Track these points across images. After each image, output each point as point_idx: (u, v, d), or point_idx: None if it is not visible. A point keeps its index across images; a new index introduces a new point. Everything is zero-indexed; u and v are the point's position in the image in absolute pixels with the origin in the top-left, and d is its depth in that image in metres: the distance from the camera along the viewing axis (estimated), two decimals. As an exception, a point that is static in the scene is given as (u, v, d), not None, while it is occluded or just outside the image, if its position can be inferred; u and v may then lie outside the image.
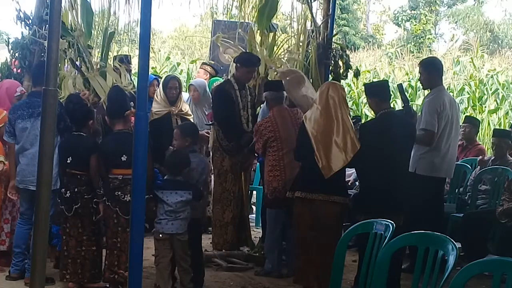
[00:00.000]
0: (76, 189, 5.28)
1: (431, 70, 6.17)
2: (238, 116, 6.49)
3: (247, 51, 7.14)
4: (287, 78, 6.06)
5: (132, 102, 5.48)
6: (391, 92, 6.61)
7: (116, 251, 5.22)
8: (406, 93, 7.40)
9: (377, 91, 5.50)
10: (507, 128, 11.19)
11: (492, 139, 7.66)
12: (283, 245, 6.08)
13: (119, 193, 5.18)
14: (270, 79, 6.80)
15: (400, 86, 6.65)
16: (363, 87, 7.39)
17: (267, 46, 7.22)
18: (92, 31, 6.57)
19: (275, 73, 6.83)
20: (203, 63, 9.26)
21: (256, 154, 6.58)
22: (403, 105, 6.13)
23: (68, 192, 5.29)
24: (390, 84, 6.51)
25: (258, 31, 7.25)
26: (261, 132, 5.98)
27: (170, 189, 5.20)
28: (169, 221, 5.17)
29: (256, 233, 7.28)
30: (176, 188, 5.21)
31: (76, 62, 6.33)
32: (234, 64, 6.70)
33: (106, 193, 5.27)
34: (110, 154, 5.28)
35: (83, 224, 5.31)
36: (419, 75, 6.45)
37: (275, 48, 7.32)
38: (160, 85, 7.13)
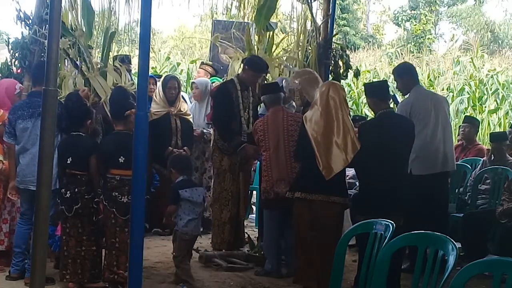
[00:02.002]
0: (76, 189, 5.27)
1: (403, 76, 6.25)
2: (238, 117, 6.46)
3: (246, 51, 7.13)
4: (304, 77, 6.04)
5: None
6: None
7: (114, 251, 5.22)
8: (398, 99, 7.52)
9: (377, 91, 5.51)
10: (507, 128, 11.19)
11: (491, 144, 7.64)
12: (281, 245, 6.08)
13: (116, 193, 5.18)
14: (266, 82, 6.78)
15: (393, 97, 6.74)
16: (363, 87, 7.42)
17: (264, 45, 7.22)
18: (93, 31, 6.57)
19: (290, 71, 6.83)
20: (203, 63, 9.25)
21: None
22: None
23: (68, 192, 5.28)
24: (390, 84, 6.55)
25: (256, 31, 7.25)
26: (255, 131, 6.05)
27: (192, 187, 5.49)
28: (197, 222, 5.45)
29: (256, 233, 7.28)
30: (195, 186, 5.54)
31: (77, 62, 6.33)
32: (242, 65, 6.69)
33: (103, 193, 5.27)
34: (109, 154, 5.28)
35: (83, 224, 5.31)
36: (396, 84, 6.49)
37: (273, 47, 7.32)
38: (160, 85, 7.12)
